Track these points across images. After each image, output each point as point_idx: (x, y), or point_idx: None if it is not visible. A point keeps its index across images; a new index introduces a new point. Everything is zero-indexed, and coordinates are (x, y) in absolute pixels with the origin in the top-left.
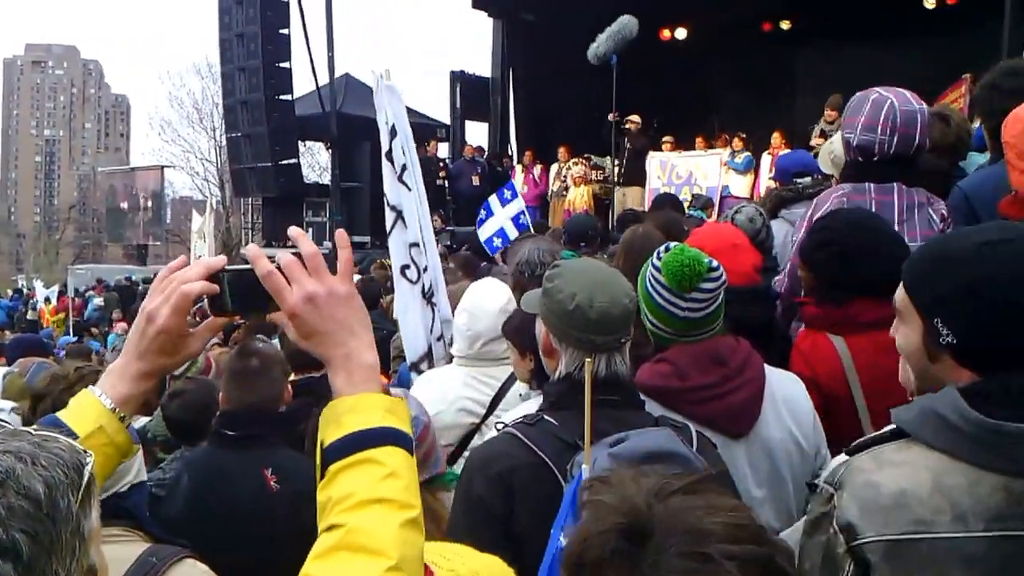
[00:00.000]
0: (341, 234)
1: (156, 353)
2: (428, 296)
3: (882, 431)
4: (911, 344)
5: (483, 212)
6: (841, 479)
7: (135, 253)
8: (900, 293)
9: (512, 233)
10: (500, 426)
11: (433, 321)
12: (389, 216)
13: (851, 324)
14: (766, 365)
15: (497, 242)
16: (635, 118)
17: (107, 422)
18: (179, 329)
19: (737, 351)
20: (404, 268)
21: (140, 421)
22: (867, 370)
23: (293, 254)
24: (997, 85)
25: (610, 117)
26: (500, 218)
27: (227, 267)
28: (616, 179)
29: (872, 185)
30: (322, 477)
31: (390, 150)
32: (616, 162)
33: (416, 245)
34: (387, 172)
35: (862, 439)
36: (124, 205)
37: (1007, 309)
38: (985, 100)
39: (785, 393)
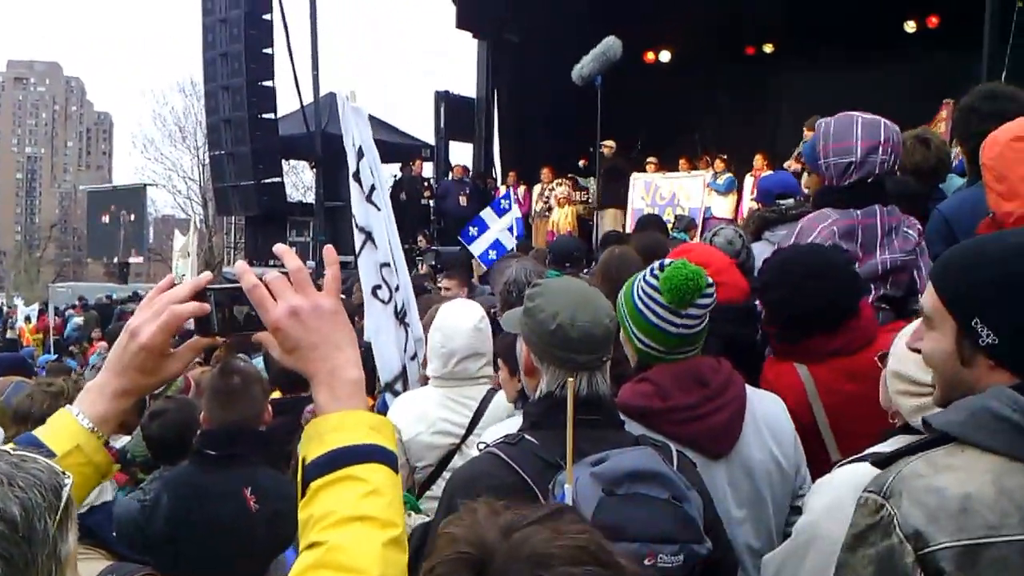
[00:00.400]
0: (329, 250)
1: (136, 371)
2: (400, 316)
3: (918, 440)
4: (942, 350)
5: (474, 229)
6: (894, 486)
7: (116, 271)
8: (930, 299)
9: (509, 243)
10: (482, 446)
11: (406, 341)
12: (358, 237)
13: (811, 354)
14: (748, 386)
15: (493, 255)
16: (609, 143)
17: (85, 441)
18: (162, 348)
19: (719, 371)
20: (375, 288)
21: (120, 441)
22: (829, 395)
23: (280, 271)
24: (975, 108)
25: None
26: (495, 231)
27: (213, 286)
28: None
29: (857, 211)
30: (303, 495)
31: (358, 171)
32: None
33: (387, 265)
34: (355, 193)
35: (895, 450)
36: (106, 220)
37: None
38: (963, 123)
39: (766, 413)
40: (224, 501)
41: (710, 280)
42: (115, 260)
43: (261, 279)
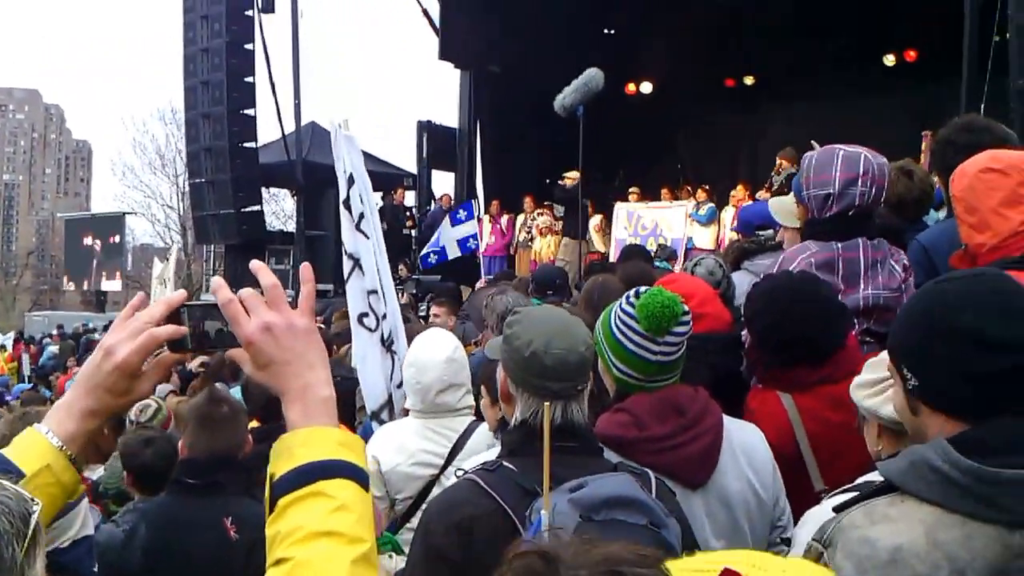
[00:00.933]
0: (305, 268)
1: (106, 390)
2: (388, 344)
3: (872, 486)
4: (899, 401)
5: (434, 255)
6: (832, 536)
7: (93, 300)
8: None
9: (452, 253)
10: (460, 473)
11: (393, 369)
12: (347, 264)
13: (797, 383)
14: (725, 416)
15: (433, 258)
16: (572, 174)
17: (54, 460)
18: (135, 369)
19: (696, 400)
20: (362, 316)
21: (96, 472)
22: (813, 424)
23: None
24: (952, 140)
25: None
26: (445, 237)
27: (187, 303)
28: (579, 231)
29: (839, 244)
30: (272, 510)
31: (348, 198)
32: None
33: (375, 292)
34: (345, 220)
35: (852, 496)
36: (86, 242)
37: (954, 339)
38: (941, 155)
39: (744, 443)
40: (203, 531)
41: (686, 308)
42: (90, 288)
43: (236, 295)
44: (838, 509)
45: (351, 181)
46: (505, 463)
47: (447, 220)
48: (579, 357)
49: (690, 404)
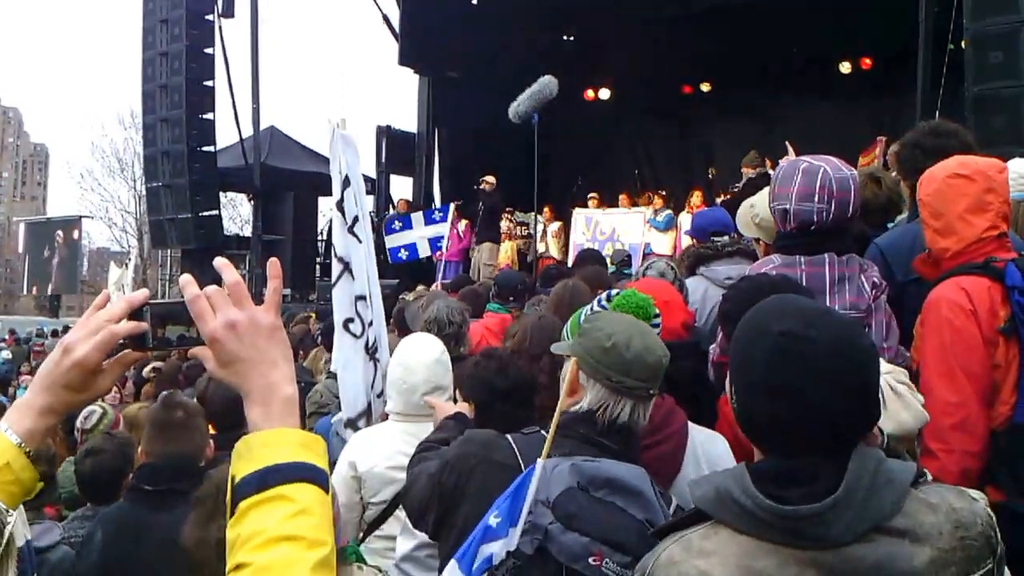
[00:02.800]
0: (273, 263)
1: (64, 387)
2: (371, 352)
3: (688, 512)
4: None
5: (399, 223)
6: (652, 573)
7: (47, 304)
8: None
9: (424, 251)
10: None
11: (375, 377)
12: (336, 267)
13: None
14: (694, 425)
15: (403, 254)
16: (490, 179)
17: (13, 458)
18: (94, 366)
19: (660, 406)
20: (348, 321)
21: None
22: None
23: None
24: (919, 144)
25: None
26: (417, 233)
27: (150, 301)
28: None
29: (803, 258)
30: (232, 514)
31: (342, 200)
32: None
33: (363, 298)
34: (337, 223)
35: (668, 522)
36: (41, 249)
37: (742, 378)
38: (908, 159)
39: (708, 451)
40: (161, 538)
41: (656, 310)
42: (43, 293)
43: (201, 292)
44: (659, 535)
45: (346, 183)
46: (542, 432)
47: (420, 217)
48: (656, 359)
49: (655, 409)
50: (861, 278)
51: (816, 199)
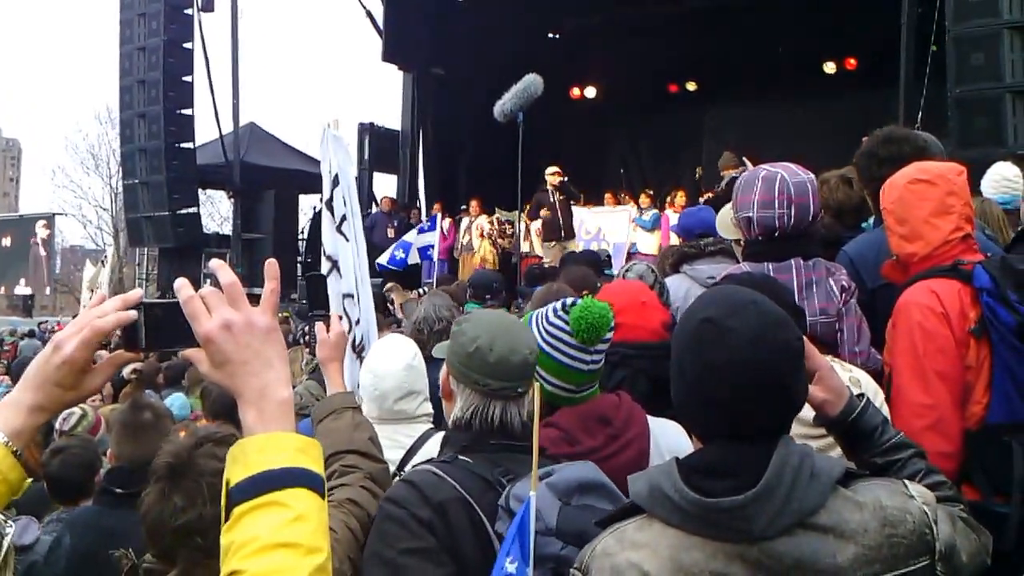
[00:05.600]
0: (271, 264)
1: (55, 385)
2: (358, 350)
3: (624, 504)
4: None
5: (400, 252)
6: (588, 564)
7: (20, 304)
8: None
9: (413, 258)
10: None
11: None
12: (325, 265)
13: None
14: (649, 417)
15: (400, 255)
16: (554, 169)
17: (1, 457)
18: (83, 363)
19: (620, 408)
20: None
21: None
22: None
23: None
24: (874, 152)
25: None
26: (410, 239)
27: (144, 300)
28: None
29: (771, 264)
30: (227, 519)
31: (331, 199)
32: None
33: (350, 296)
34: (326, 221)
35: (608, 514)
36: (7, 243)
37: (679, 366)
38: (865, 167)
39: (669, 443)
40: (129, 540)
41: (612, 315)
42: (18, 292)
43: (197, 293)
44: (600, 524)
45: (336, 182)
46: (461, 457)
47: (415, 232)
48: (521, 358)
49: (615, 413)
50: (829, 282)
51: (776, 205)
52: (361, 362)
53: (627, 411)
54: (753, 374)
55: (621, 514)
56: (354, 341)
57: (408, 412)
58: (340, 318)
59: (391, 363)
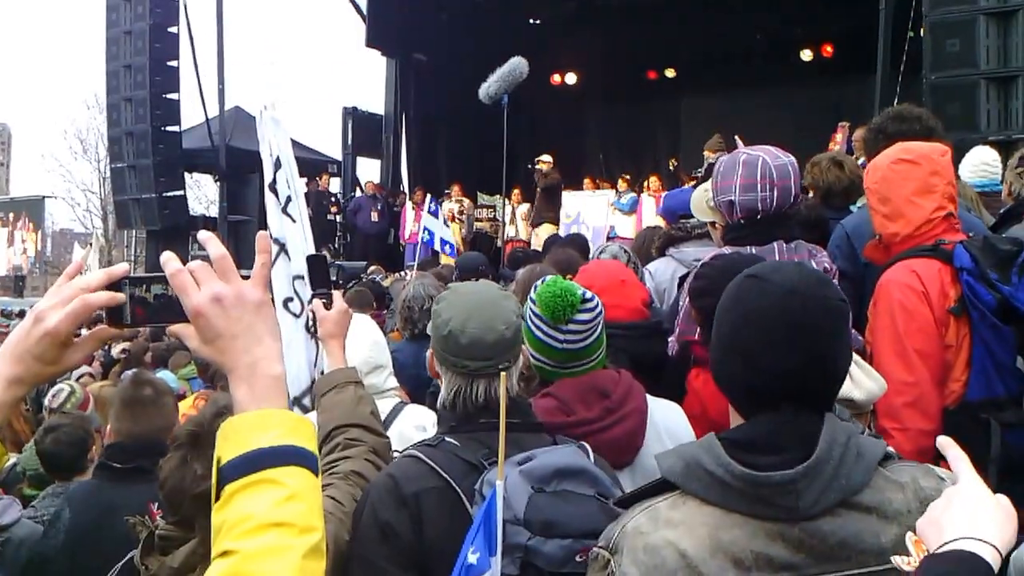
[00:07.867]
0: (262, 237)
1: (35, 358)
2: (312, 330)
3: (653, 482)
4: None
5: (426, 234)
6: (618, 542)
7: (11, 285)
8: None
9: (438, 244)
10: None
11: (317, 355)
12: (273, 249)
13: None
14: (649, 396)
15: (425, 236)
16: (547, 158)
17: None
18: (66, 337)
19: (619, 383)
20: (287, 301)
21: (11, 458)
22: None
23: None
24: (883, 129)
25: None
26: (430, 226)
27: (130, 275)
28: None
29: (753, 247)
30: (217, 498)
31: (274, 181)
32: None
33: (300, 278)
34: (271, 204)
35: (632, 491)
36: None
37: (720, 340)
38: (872, 143)
39: (667, 422)
40: (127, 515)
41: (589, 295)
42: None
43: (184, 266)
44: (623, 504)
45: (278, 164)
46: (447, 439)
47: (430, 218)
48: (497, 336)
49: (614, 387)
50: (811, 264)
51: (759, 188)
52: (316, 342)
53: (626, 386)
54: (790, 320)
55: (651, 491)
56: (307, 322)
57: (377, 386)
58: (291, 300)
59: (356, 340)
